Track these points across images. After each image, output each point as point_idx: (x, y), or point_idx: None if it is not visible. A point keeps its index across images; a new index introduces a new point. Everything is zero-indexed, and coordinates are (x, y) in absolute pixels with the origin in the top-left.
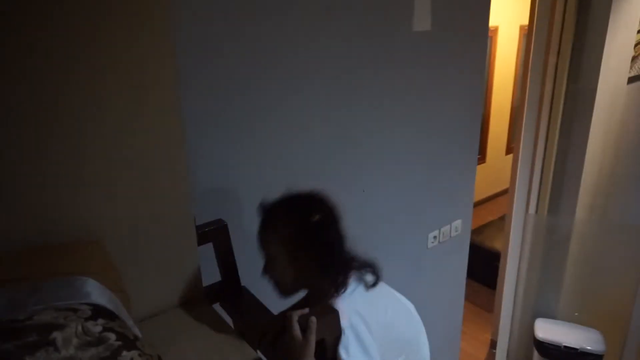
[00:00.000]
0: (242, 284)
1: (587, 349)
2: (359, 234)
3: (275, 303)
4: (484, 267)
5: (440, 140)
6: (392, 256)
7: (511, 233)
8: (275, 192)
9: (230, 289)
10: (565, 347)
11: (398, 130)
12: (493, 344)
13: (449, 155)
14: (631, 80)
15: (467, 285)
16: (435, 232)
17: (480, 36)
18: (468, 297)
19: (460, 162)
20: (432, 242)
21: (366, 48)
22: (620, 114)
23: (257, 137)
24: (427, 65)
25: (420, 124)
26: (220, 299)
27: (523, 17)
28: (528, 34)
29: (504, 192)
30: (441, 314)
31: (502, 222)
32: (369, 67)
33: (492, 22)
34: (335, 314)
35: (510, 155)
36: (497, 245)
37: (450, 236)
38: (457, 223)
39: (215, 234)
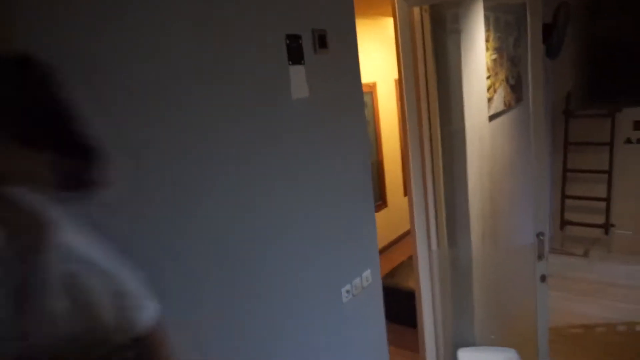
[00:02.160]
0: None
1: None
2: (274, 303)
3: None
4: (403, 308)
5: (337, 196)
6: (310, 318)
7: (420, 271)
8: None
9: None
10: None
11: (295, 194)
12: None
13: (347, 209)
14: (491, 118)
15: (390, 329)
16: (348, 287)
17: (356, 93)
18: (394, 342)
19: (359, 213)
20: (347, 297)
21: (256, 119)
22: (488, 148)
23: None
24: (314, 127)
25: (314, 185)
26: None
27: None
28: (399, 86)
29: (409, 232)
30: None
31: (412, 261)
32: (260, 137)
33: (371, 78)
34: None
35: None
36: (412, 284)
37: (363, 287)
38: (367, 273)
39: None
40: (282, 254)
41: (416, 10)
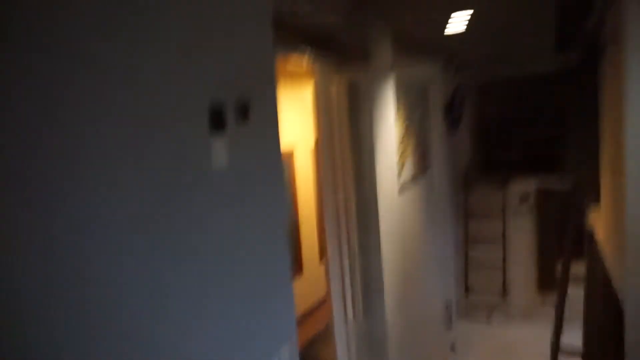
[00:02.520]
0: None
1: None
2: None
3: None
4: None
5: (252, 270)
6: None
7: (337, 342)
8: None
9: None
10: None
11: (206, 270)
12: None
13: (261, 283)
14: (402, 187)
15: None
16: None
17: (276, 161)
18: None
19: (275, 285)
20: None
21: (172, 191)
22: (399, 217)
23: None
24: (233, 198)
25: (228, 259)
26: None
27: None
28: (316, 153)
29: (324, 300)
30: None
31: (327, 332)
32: (171, 215)
33: (289, 143)
34: None
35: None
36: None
37: None
38: (284, 350)
39: None
40: (197, 338)
41: (334, 79)
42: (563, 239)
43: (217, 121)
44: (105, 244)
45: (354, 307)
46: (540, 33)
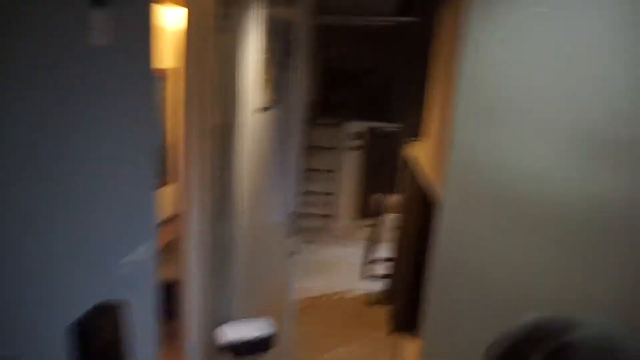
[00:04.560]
0: None
1: (260, 335)
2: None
3: None
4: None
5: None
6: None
7: (190, 251)
8: None
9: None
10: (244, 341)
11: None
12: None
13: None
14: (258, 111)
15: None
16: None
17: (141, 69)
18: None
19: (138, 188)
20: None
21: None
22: (254, 137)
23: None
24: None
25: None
26: None
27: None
28: (185, 77)
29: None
30: None
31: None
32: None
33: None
34: None
35: None
36: (169, 273)
37: (139, 262)
38: (144, 247)
39: None
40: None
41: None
42: (383, 173)
43: None
44: None
45: (208, 214)
46: None
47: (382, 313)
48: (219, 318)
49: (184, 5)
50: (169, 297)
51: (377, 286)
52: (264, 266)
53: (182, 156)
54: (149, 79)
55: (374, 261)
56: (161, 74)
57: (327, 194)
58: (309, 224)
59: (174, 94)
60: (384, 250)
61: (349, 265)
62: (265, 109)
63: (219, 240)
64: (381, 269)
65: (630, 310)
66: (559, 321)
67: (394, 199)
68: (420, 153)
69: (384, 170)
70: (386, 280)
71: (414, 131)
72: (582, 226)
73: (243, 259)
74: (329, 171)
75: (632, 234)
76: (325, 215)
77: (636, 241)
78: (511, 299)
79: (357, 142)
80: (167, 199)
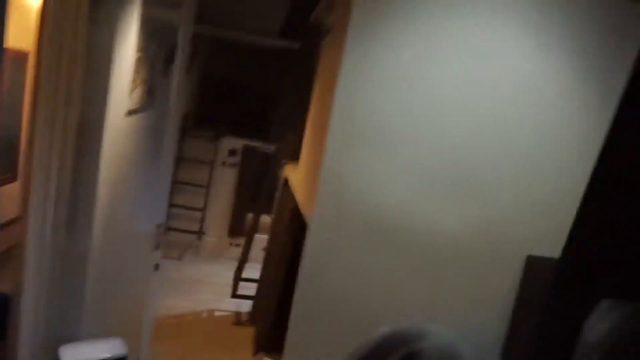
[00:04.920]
0: None
1: (108, 358)
2: None
3: None
4: None
5: None
6: None
7: (28, 262)
8: None
9: None
10: None
11: None
12: None
13: None
14: (128, 113)
15: None
16: None
17: None
18: None
19: None
20: None
21: None
22: (122, 141)
23: None
24: None
25: None
26: None
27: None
28: (37, 64)
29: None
30: None
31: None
32: None
33: (25, 44)
34: None
35: None
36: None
37: None
38: None
39: None
40: None
41: None
42: (258, 193)
43: None
44: None
45: (55, 221)
46: (271, 15)
47: (248, 333)
48: (62, 338)
49: None
50: (4, 312)
51: (245, 306)
52: (123, 281)
53: (25, 151)
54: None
55: (242, 281)
56: (20, 55)
57: (198, 209)
58: (176, 239)
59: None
60: (253, 270)
61: (217, 284)
62: (134, 111)
63: (67, 250)
64: (249, 289)
65: (473, 326)
66: (412, 331)
67: (266, 219)
68: (294, 175)
69: (258, 189)
70: (253, 301)
71: (290, 153)
72: (435, 253)
73: (97, 272)
74: (201, 186)
75: (473, 262)
76: (195, 231)
77: (475, 268)
78: (371, 319)
79: (233, 159)
80: (13, 196)
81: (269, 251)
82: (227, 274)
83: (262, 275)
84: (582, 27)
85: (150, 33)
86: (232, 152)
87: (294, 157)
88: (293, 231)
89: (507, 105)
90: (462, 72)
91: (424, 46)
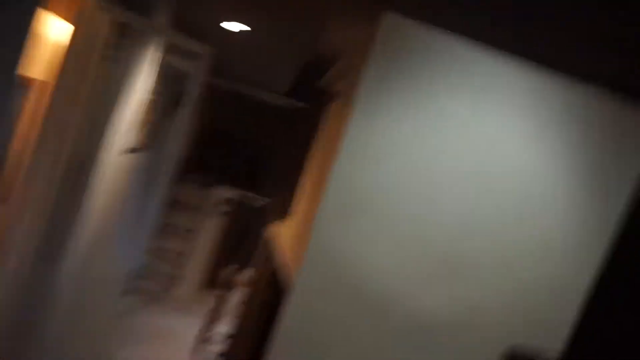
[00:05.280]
0: None
1: None
2: None
3: None
4: None
5: None
6: None
7: None
8: None
9: None
10: None
11: None
12: None
13: None
14: (130, 151)
15: None
16: None
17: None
18: None
19: None
20: None
21: None
22: (112, 178)
23: None
24: None
25: None
26: None
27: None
28: (52, 95)
29: None
30: None
31: None
32: None
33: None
34: None
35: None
36: None
37: None
38: None
39: None
40: None
41: (100, 16)
42: (243, 246)
43: None
44: None
45: (28, 255)
46: (281, 76)
47: None
48: None
49: (72, 22)
50: None
51: None
52: (87, 326)
53: (19, 177)
54: (11, 82)
55: (211, 336)
56: (27, 83)
57: (179, 253)
58: (150, 285)
59: (35, 107)
60: (225, 326)
61: (185, 337)
62: (134, 150)
63: (37, 287)
64: (218, 345)
65: None
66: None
67: (246, 273)
68: (283, 233)
69: (243, 242)
70: (221, 358)
71: (281, 210)
72: (416, 333)
73: (61, 314)
74: (188, 230)
75: (452, 348)
76: (171, 277)
77: (460, 346)
78: None
79: (223, 208)
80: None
81: (245, 307)
82: (197, 327)
83: (235, 332)
84: (579, 123)
85: (167, 79)
86: (225, 201)
87: (283, 214)
88: (271, 289)
89: (500, 191)
90: (460, 153)
91: (425, 124)
